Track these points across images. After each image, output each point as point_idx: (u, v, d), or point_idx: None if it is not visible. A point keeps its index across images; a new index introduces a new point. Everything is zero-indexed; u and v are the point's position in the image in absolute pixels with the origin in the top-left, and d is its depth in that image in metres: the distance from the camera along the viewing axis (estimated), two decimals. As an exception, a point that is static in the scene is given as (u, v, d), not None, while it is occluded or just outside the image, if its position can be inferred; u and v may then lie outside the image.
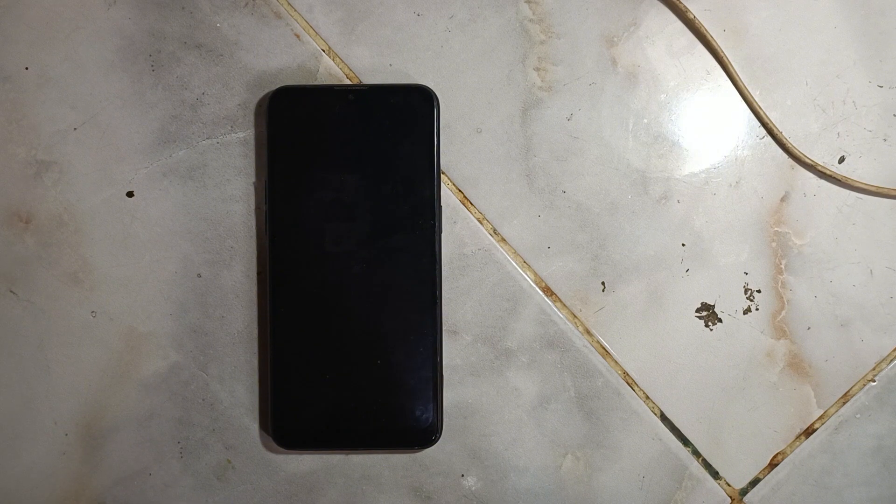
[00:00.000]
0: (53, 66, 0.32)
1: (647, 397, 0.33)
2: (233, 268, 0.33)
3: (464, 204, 0.33)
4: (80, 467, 0.33)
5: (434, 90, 0.31)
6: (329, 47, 0.33)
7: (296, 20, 0.33)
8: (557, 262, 0.33)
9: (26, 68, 0.32)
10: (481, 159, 0.33)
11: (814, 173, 0.33)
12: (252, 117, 0.32)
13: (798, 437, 0.33)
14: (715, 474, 0.33)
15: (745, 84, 0.33)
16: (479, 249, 0.33)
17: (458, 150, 0.33)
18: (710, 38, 0.32)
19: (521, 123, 0.33)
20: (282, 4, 0.33)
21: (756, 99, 0.33)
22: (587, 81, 0.33)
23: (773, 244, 0.33)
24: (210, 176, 0.33)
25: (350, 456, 0.33)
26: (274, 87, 0.31)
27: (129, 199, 0.33)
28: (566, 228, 0.33)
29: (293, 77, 0.32)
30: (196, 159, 0.33)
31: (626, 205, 0.33)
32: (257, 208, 0.33)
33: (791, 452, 0.33)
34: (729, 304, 0.33)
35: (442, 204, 0.32)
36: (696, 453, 0.33)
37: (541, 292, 0.33)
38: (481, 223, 0.33)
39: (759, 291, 0.33)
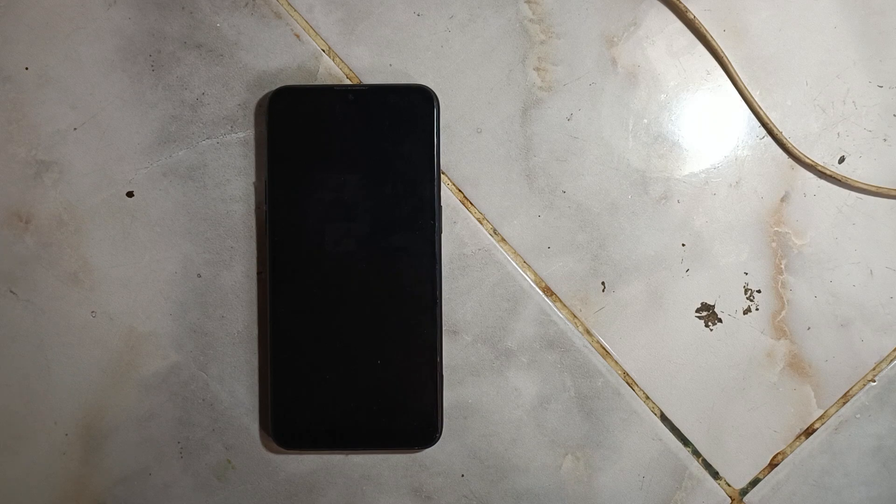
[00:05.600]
0: (53, 66, 0.32)
1: (647, 397, 0.33)
2: (233, 268, 0.33)
3: (464, 204, 0.33)
4: (80, 467, 0.33)
5: (434, 90, 0.31)
6: (329, 47, 0.33)
7: (296, 20, 0.33)
8: (557, 262, 0.33)
9: (26, 68, 0.32)
10: (481, 159, 0.33)
11: (814, 173, 0.33)
12: (252, 117, 0.32)
13: (798, 437, 0.33)
14: (715, 474, 0.33)
15: (745, 84, 0.33)
16: (479, 249, 0.33)
17: (458, 150, 0.33)
18: (710, 38, 0.32)
19: (521, 123, 0.33)
20: (282, 4, 0.33)
21: (756, 99, 0.33)
22: (587, 81, 0.33)
23: (773, 244, 0.33)
24: (210, 176, 0.33)
25: (350, 456, 0.33)
26: (274, 87, 0.31)
27: (129, 199, 0.33)
28: (566, 228, 0.33)
29: (293, 77, 0.32)
30: (196, 159, 0.33)
31: (626, 205, 0.33)
32: (257, 208, 0.33)
33: (791, 452, 0.33)
34: (729, 304, 0.33)
35: (442, 204, 0.32)
36: (696, 453, 0.33)
37: (541, 292, 0.33)
38: (481, 223, 0.33)
39: (759, 291, 0.33)
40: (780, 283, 0.33)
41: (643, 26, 0.33)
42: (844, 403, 0.33)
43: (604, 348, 0.33)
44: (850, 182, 0.32)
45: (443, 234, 0.32)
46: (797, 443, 0.33)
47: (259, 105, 0.32)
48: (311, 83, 0.32)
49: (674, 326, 0.33)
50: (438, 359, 0.31)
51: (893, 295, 0.33)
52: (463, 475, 0.33)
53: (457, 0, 0.33)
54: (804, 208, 0.33)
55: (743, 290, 0.33)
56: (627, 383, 0.33)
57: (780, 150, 0.33)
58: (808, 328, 0.33)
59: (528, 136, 0.33)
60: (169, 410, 0.33)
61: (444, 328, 0.32)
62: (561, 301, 0.33)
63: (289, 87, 0.31)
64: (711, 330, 0.33)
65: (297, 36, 0.33)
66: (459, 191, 0.33)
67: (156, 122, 0.32)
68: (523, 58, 0.33)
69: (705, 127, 0.33)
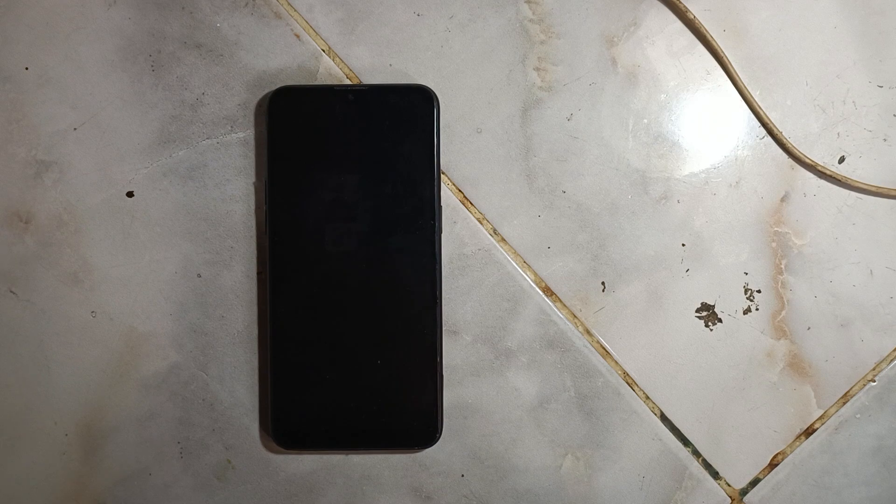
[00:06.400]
0: (53, 66, 0.32)
1: (647, 397, 0.33)
2: (233, 268, 0.33)
3: (464, 204, 0.33)
4: (80, 467, 0.33)
5: (434, 90, 0.31)
6: (329, 47, 0.33)
7: (296, 20, 0.33)
8: (557, 262, 0.33)
9: (26, 68, 0.32)
10: (481, 159, 0.33)
11: (814, 173, 0.33)
12: (252, 117, 0.32)
13: (798, 437, 0.33)
14: (715, 474, 0.33)
15: (745, 84, 0.33)
16: (479, 249, 0.33)
17: (458, 150, 0.33)
18: (710, 38, 0.32)
19: (521, 123, 0.33)
20: (282, 4, 0.33)
21: (756, 99, 0.33)
22: (587, 81, 0.33)
23: (773, 244, 0.33)
24: (210, 176, 0.33)
25: (350, 456, 0.33)
26: (274, 87, 0.31)
27: (129, 199, 0.33)
28: (566, 228, 0.33)
29: (293, 77, 0.32)
30: (196, 159, 0.33)
31: (626, 205, 0.33)
32: (257, 208, 0.33)
33: (791, 452, 0.33)
34: (729, 304, 0.33)
35: (442, 204, 0.32)
36: (696, 453, 0.33)
37: (541, 292, 0.33)
38: (481, 223, 0.33)
39: (759, 291, 0.33)
40: (780, 283, 0.33)
41: (643, 26, 0.33)
42: (844, 403, 0.33)
43: (604, 348, 0.33)
44: (850, 182, 0.32)
45: (443, 234, 0.32)
46: (797, 443, 0.33)
47: (259, 105, 0.32)
48: (311, 83, 0.32)
49: (674, 326, 0.33)
50: (438, 359, 0.31)
51: (893, 295, 0.33)
52: (463, 475, 0.33)
53: (457, 0, 0.33)
54: (804, 208, 0.33)
55: (743, 290, 0.33)
56: (627, 383, 0.33)
57: (780, 150, 0.33)
58: (808, 328, 0.33)
59: (528, 136, 0.33)
60: (169, 410, 0.33)
61: (444, 328, 0.32)
62: (561, 301, 0.33)
63: (289, 87, 0.31)
64: (711, 330, 0.33)
65: (297, 36, 0.33)
66: (459, 191, 0.33)
67: (156, 122, 0.32)
68: (523, 58, 0.33)
69: (705, 127, 0.33)
